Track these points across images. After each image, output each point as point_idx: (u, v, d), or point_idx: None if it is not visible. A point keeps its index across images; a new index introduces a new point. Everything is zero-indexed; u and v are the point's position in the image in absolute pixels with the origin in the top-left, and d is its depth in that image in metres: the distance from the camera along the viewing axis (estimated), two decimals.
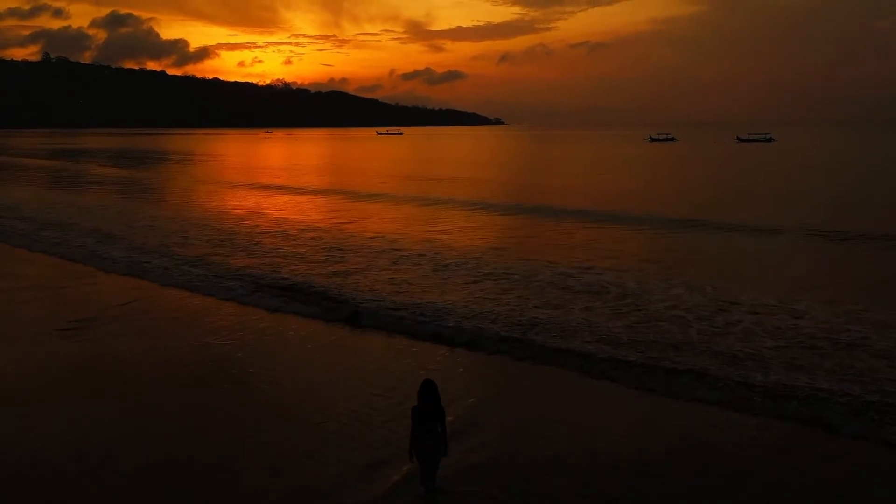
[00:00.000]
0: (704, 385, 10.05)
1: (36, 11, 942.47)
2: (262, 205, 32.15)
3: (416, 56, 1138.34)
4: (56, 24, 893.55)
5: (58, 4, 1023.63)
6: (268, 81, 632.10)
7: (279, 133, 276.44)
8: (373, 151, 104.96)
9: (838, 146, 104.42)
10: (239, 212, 29.16)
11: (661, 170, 58.24)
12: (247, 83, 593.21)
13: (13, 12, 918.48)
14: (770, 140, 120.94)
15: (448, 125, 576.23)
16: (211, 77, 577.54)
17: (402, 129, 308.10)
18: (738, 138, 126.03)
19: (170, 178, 52.90)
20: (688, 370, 10.42)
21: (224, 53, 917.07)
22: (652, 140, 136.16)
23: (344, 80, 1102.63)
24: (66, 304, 14.93)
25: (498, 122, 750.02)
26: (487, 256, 19.28)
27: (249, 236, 23.41)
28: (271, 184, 42.69)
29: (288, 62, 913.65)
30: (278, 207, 30.96)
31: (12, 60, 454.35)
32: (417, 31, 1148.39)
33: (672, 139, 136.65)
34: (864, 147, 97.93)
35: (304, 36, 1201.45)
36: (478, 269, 17.89)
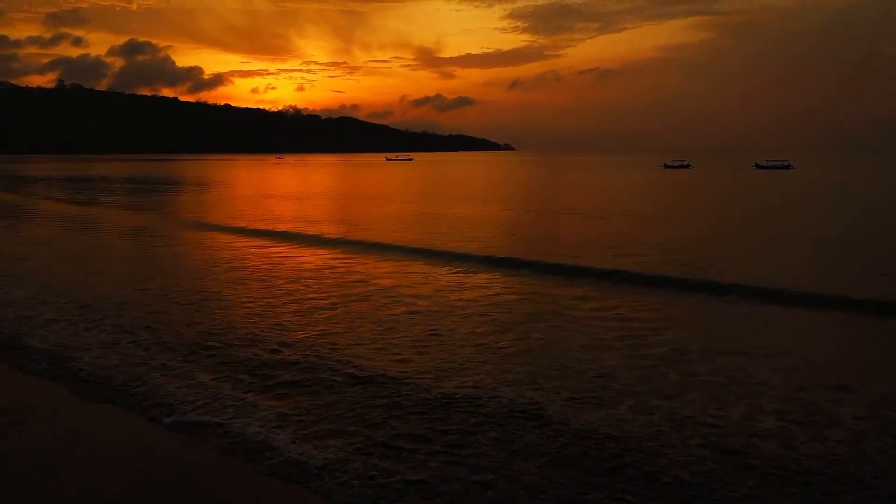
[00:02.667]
0: None
1: (56, 40, 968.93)
2: (270, 261, 28.36)
3: (426, 82, 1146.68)
4: (75, 52, 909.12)
5: (77, 33, 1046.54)
6: (280, 107, 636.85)
7: (290, 158, 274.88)
8: (381, 181, 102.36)
9: (864, 173, 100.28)
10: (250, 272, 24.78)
11: (687, 204, 54.42)
12: (258, 109, 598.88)
13: (34, 40, 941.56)
14: (788, 167, 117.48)
15: (458, 151, 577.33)
16: (223, 103, 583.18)
17: (412, 154, 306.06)
18: (757, 165, 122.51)
19: (161, 213, 49.85)
20: None
21: (237, 80, 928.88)
22: (666, 167, 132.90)
23: (355, 107, 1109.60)
24: None
25: (507, 147, 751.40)
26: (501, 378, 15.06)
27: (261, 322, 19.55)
28: (280, 230, 36.76)
29: (300, 88, 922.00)
30: (287, 269, 26.95)
31: (27, 87, 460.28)
32: (427, 58, 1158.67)
33: (687, 166, 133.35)
34: (891, 174, 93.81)
35: (316, 63, 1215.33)
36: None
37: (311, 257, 25.49)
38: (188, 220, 39.92)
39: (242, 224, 36.98)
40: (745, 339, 14.55)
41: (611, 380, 11.69)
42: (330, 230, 34.08)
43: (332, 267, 23.22)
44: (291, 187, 76.93)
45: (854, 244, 28.96)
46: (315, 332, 14.73)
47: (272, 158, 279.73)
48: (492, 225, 36.23)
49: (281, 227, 34.97)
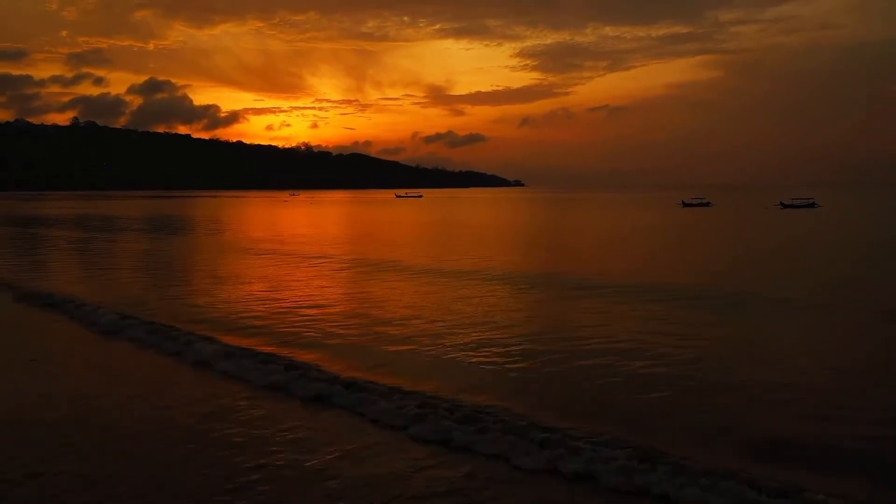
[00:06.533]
0: None
1: (78, 79, 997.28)
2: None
3: (437, 120, 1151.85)
4: (96, 91, 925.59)
5: (99, 73, 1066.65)
6: (294, 144, 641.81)
7: (302, 195, 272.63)
8: (387, 224, 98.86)
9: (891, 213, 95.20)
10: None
11: (726, 256, 49.79)
12: (270, 146, 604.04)
13: (56, 80, 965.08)
14: (813, 205, 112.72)
15: (469, 187, 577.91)
16: (235, 140, 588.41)
17: (423, 191, 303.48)
18: (782, 204, 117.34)
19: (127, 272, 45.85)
20: None
21: (252, 118, 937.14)
22: (685, 205, 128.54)
23: (367, 143, 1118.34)
24: None
25: (517, 183, 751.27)
26: None
27: None
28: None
29: (314, 126, 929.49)
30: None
31: (42, 125, 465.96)
32: (438, 96, 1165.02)
33: (707, 204, 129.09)
34: None
35: (328, 101, 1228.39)
36: None
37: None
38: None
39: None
40: None
41: None
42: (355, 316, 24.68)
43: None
44: (304, 232, 73.05)
45: None
46: None
47: (284, 195, 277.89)
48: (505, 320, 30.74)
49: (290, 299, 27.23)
